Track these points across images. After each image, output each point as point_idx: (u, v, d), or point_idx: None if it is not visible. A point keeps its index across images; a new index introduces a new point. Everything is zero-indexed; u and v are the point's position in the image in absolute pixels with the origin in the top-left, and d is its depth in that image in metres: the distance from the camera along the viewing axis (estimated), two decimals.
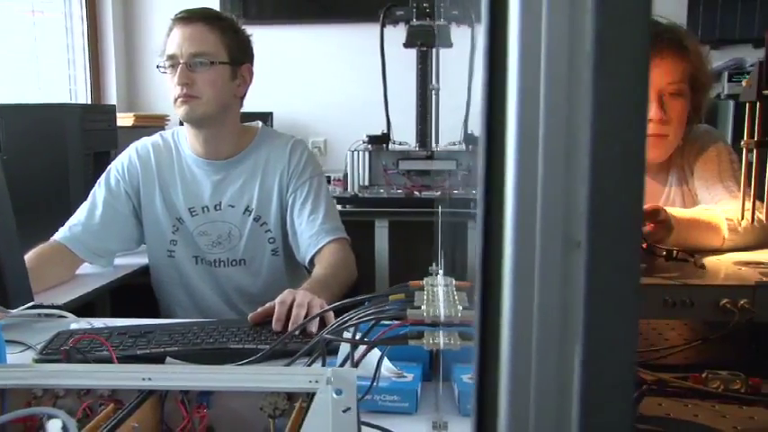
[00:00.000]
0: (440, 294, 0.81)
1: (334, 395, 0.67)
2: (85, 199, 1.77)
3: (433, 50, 2.61)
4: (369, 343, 0.84)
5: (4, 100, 2.45)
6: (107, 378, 0.71)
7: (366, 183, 2.80)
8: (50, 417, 0.60)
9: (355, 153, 2.80)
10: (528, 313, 0.31)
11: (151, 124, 2.86)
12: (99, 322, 1.31)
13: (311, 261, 1.66)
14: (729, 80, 2.65)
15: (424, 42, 2.62)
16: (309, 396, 0.67)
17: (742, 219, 1.06)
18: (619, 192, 0.30)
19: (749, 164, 1.01)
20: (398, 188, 2.68)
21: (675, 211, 1.24)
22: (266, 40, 3.20)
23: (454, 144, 2.58)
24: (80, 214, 1.74)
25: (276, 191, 1.73)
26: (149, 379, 0.69)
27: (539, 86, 0.30)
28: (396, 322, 0.83)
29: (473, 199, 0.34)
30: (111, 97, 3.38)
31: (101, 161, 2.02)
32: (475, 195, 0.33)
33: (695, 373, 0.82)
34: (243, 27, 1.75)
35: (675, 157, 1.56)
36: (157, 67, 1.68)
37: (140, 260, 1.86)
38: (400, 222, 2.56)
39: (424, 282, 0.87)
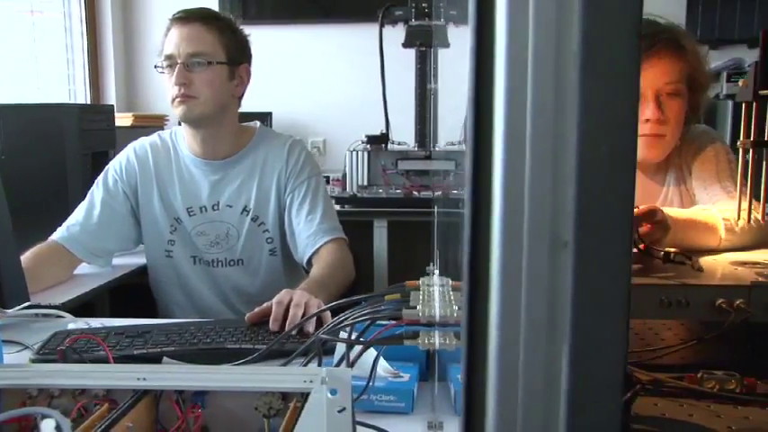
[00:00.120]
0: (435, 294, 0.81)
1: (329, 395, 0.67)
2: (84, 199, 1.77)
3: (432, 50, 2.61)
4: (364, 343, 0.84)
5: (3, 100, 2.45)
6: (102, 378, 0.71)
7: (365, 183, 2.80)
8: (44, 416, 0.60)
9: (354, 153, 2.80)
10: (516, 313, 0.31)
11: (150, 124, 2.86)
12: (96, 322, 1.31)
13: (309, 261, 1.67)
14: (728, 80, 2.65)
15: (423, 42, 2.62)
16: (304, 396, 0.67)
17: (738, 219, 1.06)
18: (606, 192, 0.30)
19: (746, 164, 1.01)
20: (397, 188, 2.68)
21: (672, 211, 1.24)
22: (265, 40, 3.20)
23: (453, 144, 2.58)
24: (78, 214, 1.74)
25: (274, 191, 1.73)
26: (144, 379, 0.69)
27: (526, 86, 0.30)
28: (392, 322, 0.83)
29: (463, 199, 0.34)
30: (110, 97, 3.38)
31: (99, 161, 2.02)
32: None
33: (691, 372, 0.82)
34: (241, 27, 1.75)
35: (673, 156, 1.56)
36: (155, 67, 1.68)
37: (138, 260, 1.86)
38: (399, 222, 2.56)
39: (420, 282, 0.87)
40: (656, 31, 1.45)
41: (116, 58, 3.39)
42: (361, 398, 0.91)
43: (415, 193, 2.60)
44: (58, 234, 1.70)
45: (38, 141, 2.03)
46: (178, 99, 1.63)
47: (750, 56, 2.89)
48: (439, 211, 1.07)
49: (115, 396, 0.70)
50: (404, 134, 2.82)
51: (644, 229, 1.10)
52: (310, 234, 1.67)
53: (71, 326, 1.27)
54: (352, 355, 0.86)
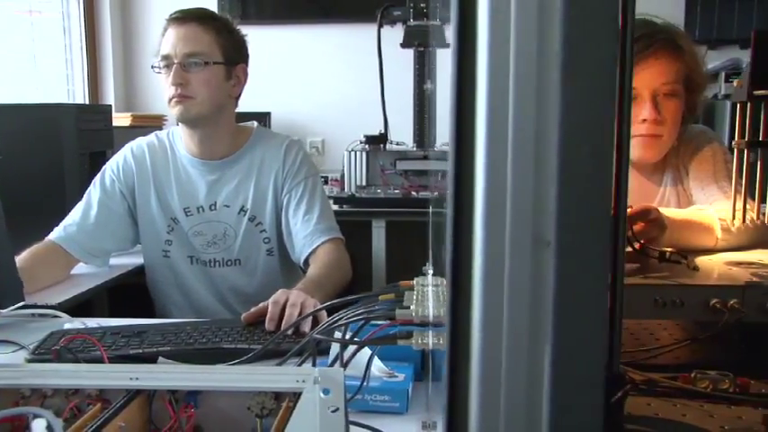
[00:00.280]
0: (429, 294, 0.81)
1: (322, 395, 0.67)
2: (81, 199, 1.77)
3: (430, 51, 2.61)
4: (358, 343, 0.84)
5: (1, 100, 2.46)
6: (95, 378, 0.71)
7: (363, 183, 2.80)
8: (36, 416, 0.60)
9: (352, 153, 2.81)
10: (498, 313, 0.31)
11: (148, 124, 2.86)
12: (93, 322, 1.31)
13: (306, 261, 1.67)
14: (726, 80, 2.66)
15: (422, 42, 2.62)
16: (296, 396, 0.67)
17: (733, 219, 1.06)
18: (588, 192, 0.30)
19: (741, 164, 1.01)
20: (395, 188, 2.69)
21: (668, 211, 1.24)
22: (264, 40, 3.21)
23: None
24: (75, 214, 1.74)
25: (271, 191, 1.73)
26: (137, 378, 0.70)
27: (508, 86, 0.30)
28: (386, 322, 0.83)
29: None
30: (109, 97, 3.38)
31: (96, 161, 2.02)
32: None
33: (685, 372, 0.82)
34: (238, 27, 1.75)
35: (670, 157, 1.56)
36: (152, 67, 1.68)
37: (136, 260, 1.86)
38: (397, 222, 2.56)
39: (415, 282, 0.87)
40: (653, 31, 1.45)
41: (114, 59, 3.40)
42: (355, 398, 0.91)
43: (414, 193, 2.60)
44: (54, 234, 1.70)
45: (35, 141, 2.03)
46: (175, 99, 1.63)
47: (748, 56, 2.89)
48: (434, 211, 1.07)
49: (108, 396, 0.71)
50: (402, 134, 2.82)
51: (638, 227, 1.10)
52: (307, 234, 1.67)
53: (67, 326, 1.27)
54: (347, 355, 0.86)
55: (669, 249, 1.05)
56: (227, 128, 1.75)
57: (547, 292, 0.30)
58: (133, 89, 3.50)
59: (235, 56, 1.70)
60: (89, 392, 0.71)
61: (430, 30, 2.58)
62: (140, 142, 1.81)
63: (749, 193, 1.04)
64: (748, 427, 0.71)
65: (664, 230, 1.15)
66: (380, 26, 2.63)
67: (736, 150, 1.00)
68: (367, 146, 2.77)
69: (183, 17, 1.65)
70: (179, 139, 1.78)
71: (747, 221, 1.19)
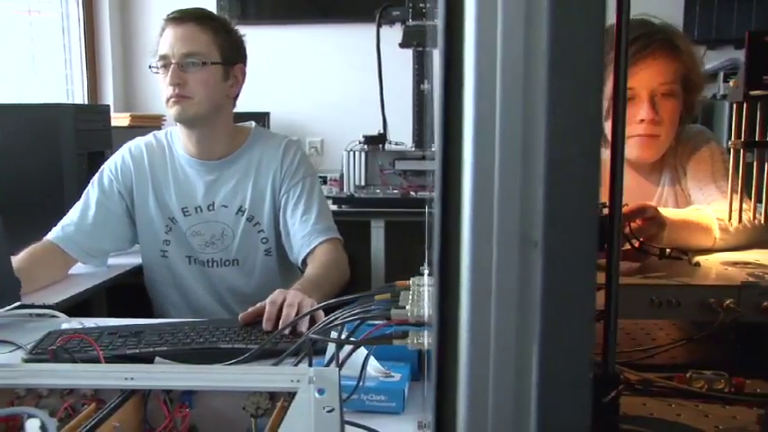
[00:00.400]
0: (425, 294, 0.81)
1: (317, 395, 0.67)
2: (79, 199, 1.77)
3: (429, 51, 2.61)
4: (354, 343, 0.84)
5: (1, 100, 2.46)
6: (89, 378, 0.71)
7: (362, 183, 2.80)
8: (30, 416, 0.60)
9: (351, 153, 2.81)
10: (486, 314, 0.31)
11: (147, 124, 2.86)
12: (91, 322, 1.31)
13: (304, 261, 1.67)
14: (725, 80, 2.65)
15: (420, 42, 2.62)
16: (291, 396, 0.67)
17: (730, 219, 1.06)
18: (575, 192, 0.30)
19: (737, 164, 1.01)
20: (394, 188, 2.69)
21: (667, 211, 1.24)
22: (264, 40, 3.22)
23: None
24: (73, 214, 1.74)
25: (269, 191, 1.74)
26: (132, 378, 0.69)
27: (495, 86, 0.30)
28: (382, 322, 0.83)
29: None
30: (108, 97, 3.38)
31: (95, 161, 2.02)
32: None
33: (681, 372, 0.82)
34: (236, 27, 1.75)
35: (668, 156, 1.56)
36: (150, 67, 1.68)
37: (134, 260, 1.86)
38: (396, 222, 2.56)
39: (411, 282, 0.87)
40: (651, 31, 1.45)
41: (114, 59, 3.40)
42: (351, 397, 0.91)
43: (413, 193, 2.60)
44: (52, 234, 1.70)
45: (33, 141, 2.03)
46: (172, 99, 1.63)
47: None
48: (430, 211, 1.07)
49: (103, 396, 0.71)
50: (401, 134, 2.82)
51: (636, 225, 1.10)
52: (305, 234, 1.67)
53: (65, 326, 1.27)
54: (343, 355, 0.86)
55: (669, 246, 1.05)
56: (224, 128, 1.75)
57: (534, 292, 0.30)
58: (132, 89, 3.50)
59: (233, 56, 1.70)
60: (84, 392, 0.71)
61: (428, 30, 2.58)
62: (138, 142, 1.81)
63: (747, 193, 1.04)
64: (743, 427, 0.71)
65: (663, 228, 1.15)
66: (379, 26, 2.63)
67: (732, 150, 1.00)
68: (366, 146, 2.77)
69: (181, 17, 1.65)
70: (177, 139, 1.78)
71: (745, 221, 1.19)
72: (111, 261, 1.84)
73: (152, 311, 1.83)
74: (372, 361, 0.97)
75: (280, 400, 0.69)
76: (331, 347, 0.97)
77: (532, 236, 0.30)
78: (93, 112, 2.36)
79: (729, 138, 1.00)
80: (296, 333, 1.18)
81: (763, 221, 1.08)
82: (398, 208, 2.54)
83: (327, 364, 0.93)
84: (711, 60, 2.75)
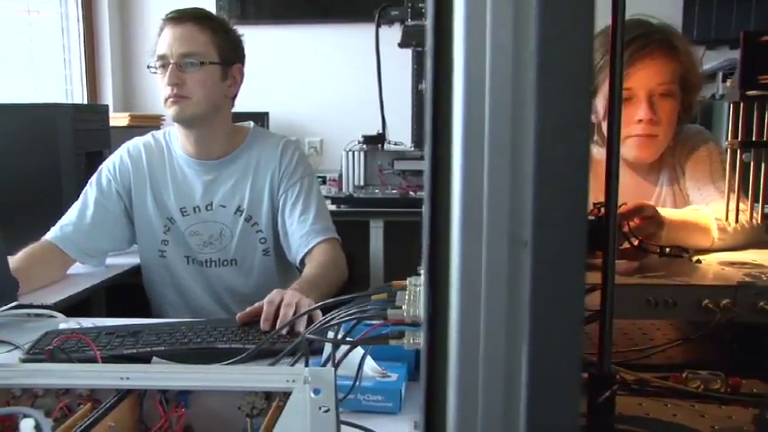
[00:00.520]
0: (421, 294, 0.81)
1: (312, 395, 0.67)
2: (77, 199, 1.77)
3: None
4: (350, 342, 0.84)
5: (0, 100, 2.45)
6: (85, 378, 0.71)
7: (361, 183, 2.80)
8: (26, 416, 0.60)
9: (350, 153, 2.81)
10: (476, 314, 0.31)
11: (146, 124, 2.86)
12: (89, 322, 1.31)
13: (302, 261, 1.67)
14: (724, 80, 2.65)
15: (420, 42, 2.62)
16: (287, 395, 0.67)
17: (727, 218, 1.06)
18: (565, 192, 0.30)
19: (734, 164, 1.01)
20: (393, 188, 2.69)
21: (665, 211, 1.24)
22: (263, 40, 3.23)
23: None
24: (71, 214, 1.74)
25: (267, 191, 1.74)
26: (127, 378, 0.69)
27: (484, 86, 0.30)
28: (379, 322, 0.83)
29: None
30: (107, 97, 3.38)
31: (93, 161, 2.02)
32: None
33: (678, 372, 0.82)
34: (234, 27, 1.75)
35: (666, 156, 1.56)
36: (148, 67, 1.68)
37: (133, 260, 1.86)
38: (395, 222, 2.56)
39: (408, 282, 0.87)
40: (649, 31, 1.45)
41: (113, 59, 3.40)
42: (348, 397, 0.91)
43: (411, 193, 2.60)
44: (51, 234, 1.70)
45: (31, 141, 2.03)
46: (171, 99, 1.63)
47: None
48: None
49: (99, 396, 0.71)
50: (400, 134, 2.82)
51: (634, 224, 1.10)
52: (303, 234, 1.67)
53: (62, 325, 1.27)
54: (339, 355, 0.86)
55: (669, 245, 1.05)
56: (223, 128, 1.75)
57: (524, 292, 0.30)
58: (131, 89, 3.50)
59: (231, 56, 1.70)
60: (80, 392, 0.71)
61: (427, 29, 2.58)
62: (137, 142, 1.81)
63: (745, 193, 1.04)
64: (738, 427, 0.71)
65: (661, 227, 1.15)
66: (378, 26, 2.63)
67: (729, 150, 1.00)
68: (365, 146, 2.77)
69: (179, 17, 1.65)
70: (175, 139, 1.78)
71: (743, 221, 1.19)
72: (109, 261, 1.84)
73: (151, 311, 1.83)
74: (369, 361, 0.97)
75: (275, 400, 0.69)
76: (328, 347, 0.97)
77: (522, 236, 0.30)
78: (92, 112, 2.35)
79: (728, 138, 1.00)
80: (293, 333, 1.18)
81: (759, 221, 1.08)
82: (397, 208, 2.54)
83: (324, 364, 0.93)
84: (710, 60, 2.75)
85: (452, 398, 0.31)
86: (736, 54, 2.96)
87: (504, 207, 0.30)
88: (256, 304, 1.26)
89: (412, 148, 2.75)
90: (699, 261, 1.01)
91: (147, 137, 1.82)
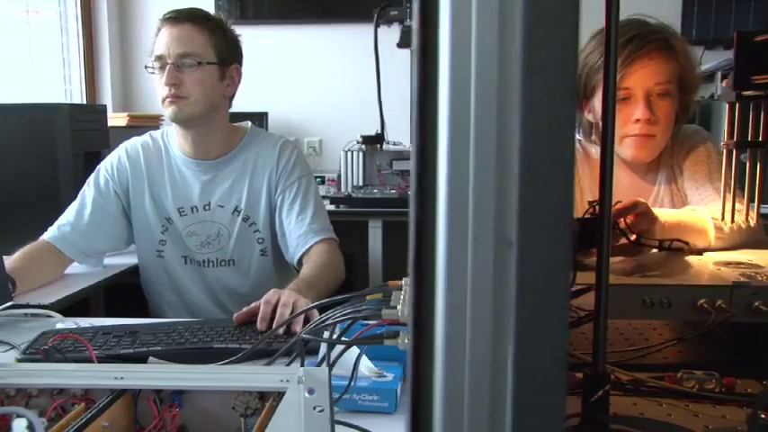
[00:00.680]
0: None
1: (306, 394, 0.67)
2: (75, 199, 1.77)
3: None
4: (345, 342, 0.84)
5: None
6: (79, 377, 0.71)
7: (360, 183, 2.80)
8: (19, 416, 0.61)
9: (349, 153, 2.81)
10: (461, 314, 0.31)
11: (145, 124, 2.85)
12: (86, 322, 1.32)
13: (299, 261, 1.67)
14: (723, 80, 2.65)
15: None
16: (281, 395, 0.67)
17: (723, 218, 1.06)
18: (550, 192, 0.30)
19: (737, 165, 1.01)
20: (392, 188, 2.69)
21: (662, 212, 1.24)
22: (262, 40, 3.23)
23: None
24: (69, 214, 1.74)
25: (265, 191, 1.74)
26: (121, 378, 0.70)
27: (470, 86, 0.30)
28: (374, 322, 0.83)
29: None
30: (106, 97, 3.38)
31: (91, 161, 2.02)
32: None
33: (674, 372, 0.82)
34: (232, 27, 1.75)
35: (665, 156, 1.56)
36: (146, 67, 1.68)
37: (131, 260, 1.86)
38: (394, 222, 2.56)
39: (403, 282, 0.87)
40: (647, 31, 1.45)
41: (112, 58, 3.40)
42: (344, 397, 0.91)
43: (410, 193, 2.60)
44: (48, 234, 1.70)
45: (29, 141, 2.03)
46: (168, 99, 1.63)
47: None
48: None
49: (93, 396, 0.71)
50: (399, 134, 2.82)
51: (629, 218, 1.11)
52: (301, 234, 1.67)
53: (59, 325, 1.27)
54: (334, 354, 0.86)
55: (668, 238, 1.06)
56: (220, 128, 1.75)
57: (509, 292, 0.30)
58: (130, 89, 3.50)
59: (228, 56, 1.70)
60: (74, 392, 0.71)
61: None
62: (134, 142, 1.81)
63: (742, 193, 1.04)
64: (732, 427, 0.71)
65: (655, 222, 1.16)
66: (377, 26, 2.63)
67: (725, 151, 1.00)
68: (364, 146, 2.77)
69: (177, 17, 1.65)
70: (173, 139, 1.78)
71: (740, 222, 1.19)
72: (108, 261, 1.84)
73: (149, 311, 1.83)
74: (365, 361, 0.97)
75: (269, 400, 0.69)
76: (323, 347, 0.97)
77: (507, 235, 0.30)
78: (90, 112, 2.36)
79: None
80: (290, 333, 1.18)
81: (754, 221, 1.08)
82: (396, 208, 2.54)
83: (319, 365, 0.93)
84: (709, 60, 2.75)
85: (439, 398, 0.32)
86: (731, 54, 2.96)
87: (489, 207, 0.30)
88: (253, 304, 1.26)
89: (411, 148, 2.74)
90: (699, 252, 1.01)
91: (145, 137, 1.82)
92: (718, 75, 2.64)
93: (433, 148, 0.31)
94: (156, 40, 1.66)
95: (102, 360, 1.06)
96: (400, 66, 2.80)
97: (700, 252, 1.03)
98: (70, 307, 1.54)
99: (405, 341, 0.77)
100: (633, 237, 1.14)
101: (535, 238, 0.30)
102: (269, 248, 1.76)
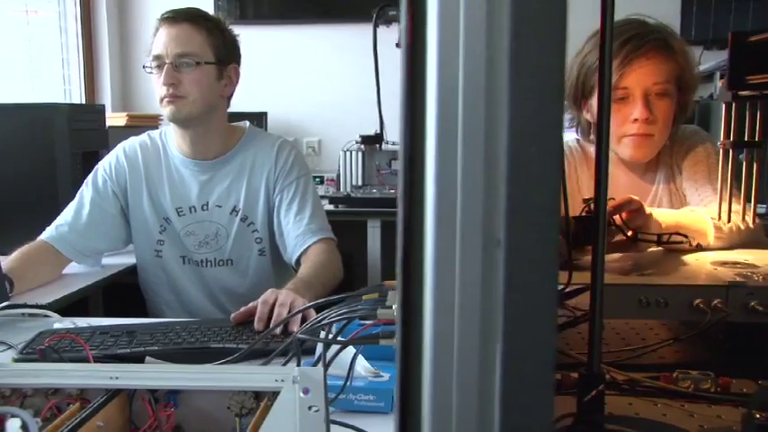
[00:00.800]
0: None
1: (302, 394, 0.67)
2: (73, 199, 1.77)
3: None
4: (341, 342, 0.84)
5: None
6: (74, 377, 0.71)
7: (359, 183, 2.80)
8: (13, 416, 0.60)
9: (348, 153, 2.81)
10: (449, 312, 0.31)
11: (144, 124, 2.85)
12: (84, 321, 1.31)
13: (298, 261, 1.66)
14: (721, 80, 2.65)
15: None
16: (275, 395, 0.67)
17: (719, 219, 1.06)
18: (537, 191, 0.30)
19: (735, 164, 1.01)
20: (391, 188, 2.69)
21: (661, 213, 1.24)
22: (261, 40, 3.23)
23: None
24: (67, 214, 1.74)
25: (263, 191, 1.74)
26: (116, 378, 0.70)
27: (457, 84, 0.30)
28: (371, 322, 0.83)
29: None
30: (105, 97, 3.38)
31: (90, 161, 2.02)
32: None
33: (670, 372, 0.82)
34: (230, 27, 1.75)
35: (663, 156, 1.56)
36: (144, 67, 1.68)
37: (129, 260, 1.86)
38: (393, 222, 2.56)
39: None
40: (645, 31, 1.45)
41: (111, 58, 3.40)
42: (340, 397, 0.91)
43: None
44: (46, 234, 1.70)
45: (28, 141, 2.03)
46: (166, 99, 1.63)
47: None
48: None
49: (89, 396, 0.71)
50: (398, 134, 2.82)
51: (624, 215, 1.12)
52: (299, 234, 1.67)
53: (57, 325, 1.27)
54: (329, 354, 0.86)
55: (666, 233, 1.06)
56: (218, 128, 1.75)
57: (497, 291, 0.30)
58: (130, 89, 3.50)
59: (227, 56, 1.70)
60: (69, 392, 0.71)
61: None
62: (133, 142, 1.81)
63: (738, 194, 1.04)
64: (727, 427, 0.71)
65: (648, 219, 1.16)
66: (376, 26, 2.63)
67: (722, 150, 1.00)
68: (363, 146, 2.77)
69: (175, 17, 1.65)
70: (171, 138, 1.78)
71: (738, 222, 1.19)
72: (106, 261, 1.84)
73: (147, 311, 1.83)
74: (361, 360, 0.97)
75: (264, 400, 0.69)
76: (320, 347, 0.97)
77: (495, 234, 0.30)
78: (89, 112, 2.36)
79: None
80: (287, 333, 1.18)
81: (751, 221, 1.08)
82: (395, 208, 2.53)
83: (315, 364, 0.93)
84: (708, 60, 2.75)
85: (427, 397, 0.31)
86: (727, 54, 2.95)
87: (477, 206, 0.30)
88: (250, 304, 1.26)
89: None
90: (699, 246, 1.01)
91: (143, 136, 1.82)
92: (717, 75, 2.64)
93: (421, 147, 0.31)
94: (155, 40, 1.66)
95: (99, 360, 1.06)
96: (399, 65, 2.80)
97: (698, 248, 1.03)
98: (68, 307, 1.54)
99: None
100: (630, 233, 1.14)
101: (523, 237, 0.30)
102: (267, 248, 1.76)
